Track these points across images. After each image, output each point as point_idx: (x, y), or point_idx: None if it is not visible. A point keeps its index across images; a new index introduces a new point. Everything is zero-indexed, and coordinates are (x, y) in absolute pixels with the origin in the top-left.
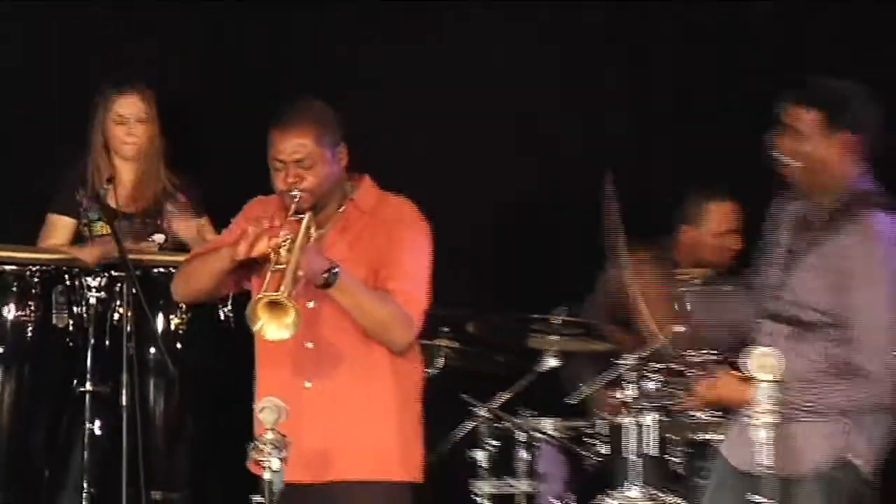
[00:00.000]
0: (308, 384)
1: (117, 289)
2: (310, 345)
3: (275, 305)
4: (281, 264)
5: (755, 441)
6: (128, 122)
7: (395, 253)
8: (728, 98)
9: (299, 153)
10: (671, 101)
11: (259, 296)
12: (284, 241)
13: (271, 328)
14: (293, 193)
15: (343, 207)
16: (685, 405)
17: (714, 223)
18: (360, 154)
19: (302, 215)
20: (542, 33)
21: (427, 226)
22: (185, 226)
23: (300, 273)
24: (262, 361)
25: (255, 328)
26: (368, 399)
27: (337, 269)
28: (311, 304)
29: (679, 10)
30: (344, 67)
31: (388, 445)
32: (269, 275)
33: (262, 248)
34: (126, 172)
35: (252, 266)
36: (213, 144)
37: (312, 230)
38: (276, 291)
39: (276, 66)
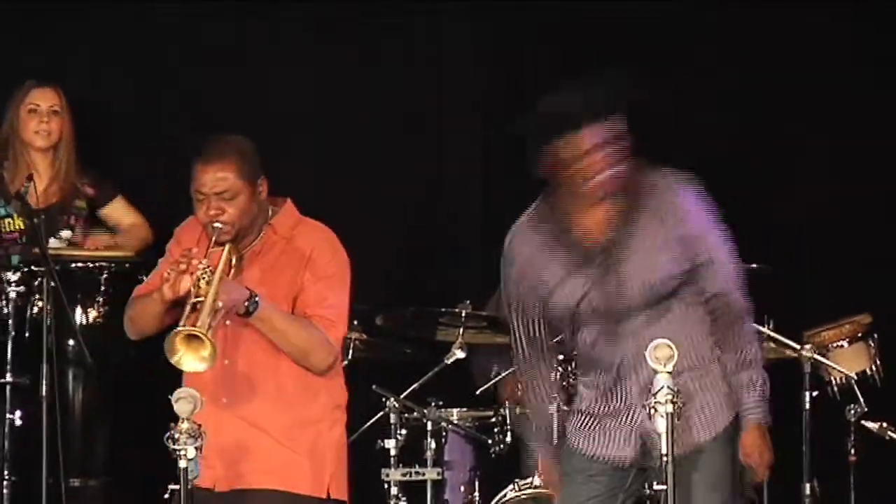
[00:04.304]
0: (224, 400)
1: (37, 283)
2: (226, 362)
3: (192, 338)
4: (200, 297)
5: (658, 430)
6: (41, 113)
7: (316, 280)
8: None
9: (220, 186)
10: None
11: (177, 329)
12: (203, 275)
13: (188, 360)
14: (215, 225)
15: (262, 233)
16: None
17: None
18: (271, 160)
19: (223, 246)
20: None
21: (344, 253)
22: (99, 242)
23: (219, 304)
24: (185, 378)
25: (174, 360)
26: (280, 415)
27: (257, 299)
28: (228, 323)
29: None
30: (240, 73)
31: (299, 460)
32: (187, 307)
33: (185, 285)
34: (40, 167)
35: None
36: (123, 147)
37: (233, 261)
38: (194, 325)
39: (179, 70)
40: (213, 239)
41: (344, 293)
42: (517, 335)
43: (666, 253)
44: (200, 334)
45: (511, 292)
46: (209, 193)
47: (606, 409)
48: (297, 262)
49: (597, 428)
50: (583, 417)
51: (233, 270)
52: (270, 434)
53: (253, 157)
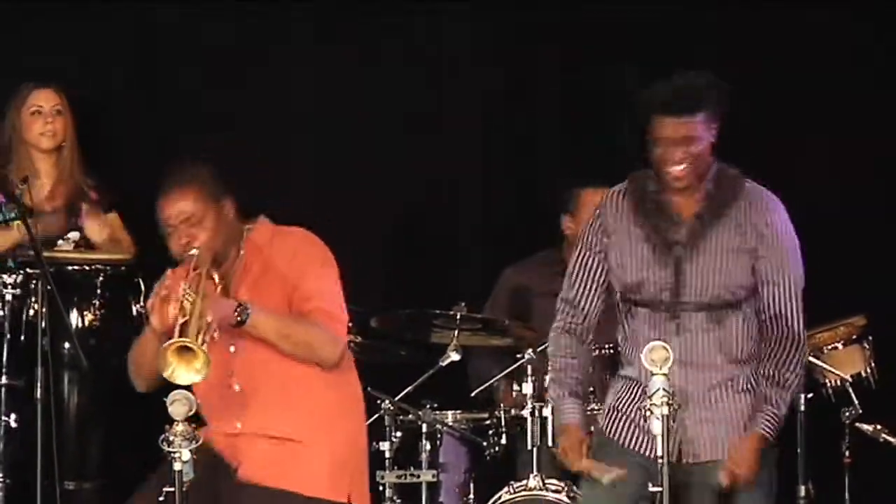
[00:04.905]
0: (238, 425)
1: (32, 285)
2: (237, 387)
3: (184, 351)
4: (186, 316)
5: (653, 431)
6: (45, 114)
7: (303, 276)
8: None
9: (184, 213)
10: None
11: (168, 342)
12: (186, 296)
13: (181, 372)
14: (191, 252)
15: (242, 251)
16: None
17: (590, 211)
18: (270, 161)
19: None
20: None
21: (324, 246)
22: (97, 229)
23: (208, 319)
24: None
25: (167, 374)
26: (296, 426)
27: (248, 307)
28: (231, 349)
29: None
30: (240, 73)
31: (319, 468)
32: (176, 330)
33: (171, 311)
34: (44, 169)
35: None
36: (123, 146)
37: (215, 277)
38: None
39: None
40: (192, 265)
41: (334, 283)
42: (573, 283)
43: (737, 262)
44: (191, 345)
45: (591, 247)
46: (176, 224)
47: (640, 404)
48: (283, 265)
49: (630, 423)
50: (617, 413)
51: (218, 288)
52: (292, 440)
53: (210, 179)
